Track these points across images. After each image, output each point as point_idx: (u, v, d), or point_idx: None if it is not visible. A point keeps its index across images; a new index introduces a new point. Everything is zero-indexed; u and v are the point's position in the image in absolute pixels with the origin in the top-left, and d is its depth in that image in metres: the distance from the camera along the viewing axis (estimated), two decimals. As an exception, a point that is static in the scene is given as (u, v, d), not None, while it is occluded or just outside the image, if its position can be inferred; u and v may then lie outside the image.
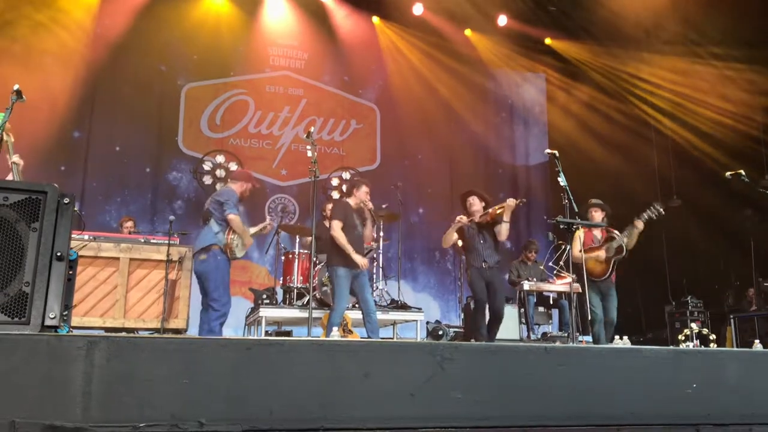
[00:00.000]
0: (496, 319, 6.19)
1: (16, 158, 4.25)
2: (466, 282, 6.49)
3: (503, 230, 6.09)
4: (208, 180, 8.67)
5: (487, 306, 6.17)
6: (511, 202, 6.04)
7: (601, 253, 6.31)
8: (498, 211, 6.12)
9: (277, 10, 10.46)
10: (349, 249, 5.75)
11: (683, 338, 6.38)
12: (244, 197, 5.82)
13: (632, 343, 6.01)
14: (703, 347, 6.28)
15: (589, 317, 6.31)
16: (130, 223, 7.82)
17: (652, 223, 6.20)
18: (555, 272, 7.97)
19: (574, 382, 1.88)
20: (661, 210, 6.03)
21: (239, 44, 10.25)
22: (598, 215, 6.42)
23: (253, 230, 5.99)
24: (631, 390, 1.93)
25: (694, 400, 1.97)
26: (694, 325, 7.04)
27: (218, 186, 8.53)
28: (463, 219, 6.18)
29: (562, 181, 5.57)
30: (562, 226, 5.89)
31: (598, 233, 6.48)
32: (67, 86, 8.79)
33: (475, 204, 6.28)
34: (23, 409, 1.44)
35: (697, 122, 9.75)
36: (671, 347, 2.94)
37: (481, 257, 6.11)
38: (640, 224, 6.12)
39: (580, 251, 6.02)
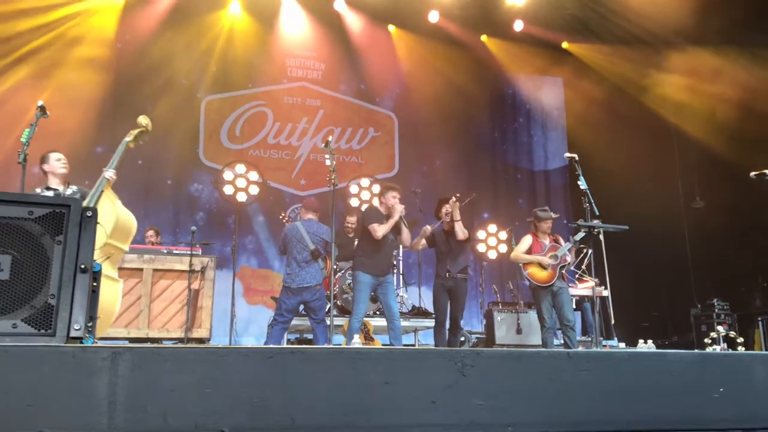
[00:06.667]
0: (455, 326, 6.39)
1: (110, 173, 3.95)
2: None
3: (457, 230, 6.28)
4: (229, 190, 8.73)
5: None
6: (452, 201, 6.29)
7: (545, 260, 6.27)
8: (449, 214, 6.38)
9: (294, 21, 10.55)
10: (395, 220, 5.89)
11: (710, 342, 6.29)
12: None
13: (657, 347, 5.93)
14: (730, 350, 6.17)
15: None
16: (151, 233, 7.92)
17: (675, 223, 6.12)
18: (577, 276, 7.90)
19: (598, 388, 1.86)
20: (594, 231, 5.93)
21: (257, 56, 10.35)
22: (545, 225, 6.47)
23: None
24: (656, 395, 1.90)
25: (721, 405, 1.93)
26: (720, 328, 6.93)
27: (239, 196, 8.57)
28: (427, 230, 6.45)
29: (582, 184, 5.56)
30: (583, 230, 5.88)
31: (546, 240, 6.45)
32: (90, 102, 8.95)
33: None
34: (50, 419, 1.46)
35: (719, 122, 9.60)
36: (696, 351, 2.90)
37: (445, 266, 6.37)
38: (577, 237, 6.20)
39: (525, 253, 6.30)
